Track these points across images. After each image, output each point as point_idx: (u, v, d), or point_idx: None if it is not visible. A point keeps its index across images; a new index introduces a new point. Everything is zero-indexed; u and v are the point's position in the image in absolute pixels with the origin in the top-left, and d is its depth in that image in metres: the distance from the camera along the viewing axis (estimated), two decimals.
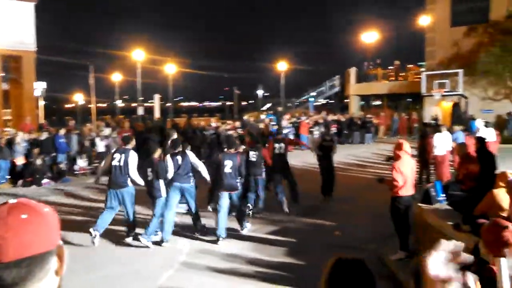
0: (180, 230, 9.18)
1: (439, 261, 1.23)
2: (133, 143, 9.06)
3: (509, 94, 25.97)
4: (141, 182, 8.62)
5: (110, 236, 8.97)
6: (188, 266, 7.24)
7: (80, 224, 9.93)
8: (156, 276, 6.85)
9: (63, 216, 10.66)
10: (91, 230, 8.18)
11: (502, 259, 2.56)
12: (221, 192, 8.71)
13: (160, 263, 7.41)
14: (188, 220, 9.84)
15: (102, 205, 11.71)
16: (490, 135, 14.21)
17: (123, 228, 9.46)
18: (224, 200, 8.62)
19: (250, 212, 9.90)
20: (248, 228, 9.07)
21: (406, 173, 6.91)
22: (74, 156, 16.50)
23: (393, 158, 7.24)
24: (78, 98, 44.81)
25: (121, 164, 8.40)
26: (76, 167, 16.42)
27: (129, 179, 8.49)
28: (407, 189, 7.00)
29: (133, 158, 8.52)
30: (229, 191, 8.66)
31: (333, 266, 2.10)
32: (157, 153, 8.76)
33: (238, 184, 8.85)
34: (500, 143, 16.68)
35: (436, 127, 14.48)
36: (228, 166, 8.64)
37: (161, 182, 8.53)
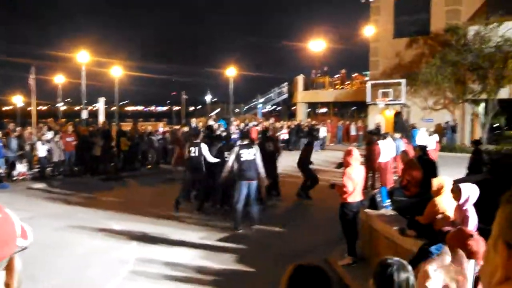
0: (127, 238, 8.96)
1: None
2: (200, 136, 11.13)
3: (448, 104, 27.24)
4: (214, 160, 10.75)
5: (51, 246, 8.60)
6: (137, 274, 7.03)
7: None
8: (103, 285, 6.61)
9: None
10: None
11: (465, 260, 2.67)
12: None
13: (106, 272, 7.16)
14: (136, 227, 9.64)
15: (39, 211, 11.29)
16: (431, 143, 14.85)
17: (58, 237, 9.10)
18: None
19: None
20: None
21: (356, 179, 7.06)
22: (13, 160, 15.73)
23: (343, 164, 7.38)
24: (17, 100, 42.79)
25: (196, 154, 10.62)
26: (15, 172, 15.66)
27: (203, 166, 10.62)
28: (356, 195, 7.15)
29: (205, 148, 10.67)
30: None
31: (292, 272, 2.10)
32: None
33: None
34: (439, 151, 17.46)
35: (379, 135, 14.96)
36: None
37: None
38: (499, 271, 0.71)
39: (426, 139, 15.29)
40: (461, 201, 5.08)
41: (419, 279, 2.44)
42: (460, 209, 5.15)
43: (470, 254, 2.89)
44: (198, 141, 10.76)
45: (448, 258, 2.14)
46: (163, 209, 11.25)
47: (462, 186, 5.14)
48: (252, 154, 9.51)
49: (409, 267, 2.73)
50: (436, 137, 16.89)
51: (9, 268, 1.03)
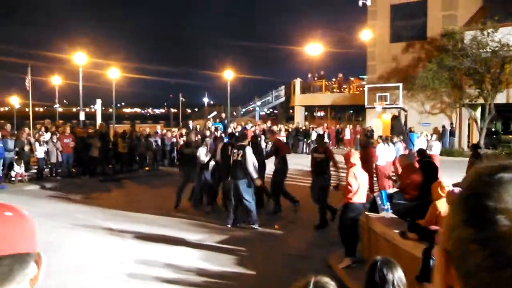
0: (126, 239, 8.93)
1: None
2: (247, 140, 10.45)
3: (445, 109, 27.34)
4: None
5: (49, 246, 8.56)
6: (135, 277, 6.98)
7: None
8: (102, 287, 6.60)
9: None
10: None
11: None
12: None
13: (103, 273, 7.11)
14: (134, 229, 9.61)
15: (36, 211, 11.24)
16: (436, 148, 14.88)
17: (57, 238, 9.05)
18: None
19: None
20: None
21: (360, 180, 7.10)
22: (10, 161, 15.67)
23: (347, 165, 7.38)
24: (14, 101, 42.68)
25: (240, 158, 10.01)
26: (12, 173, 15.60)
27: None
28: (360, 196, 7.18)
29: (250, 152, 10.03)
30: None
31: None
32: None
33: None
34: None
35: (372, 139, 15.08)
36: None
37: None
38: (440, 281, 0.68)
39: (431, 143, 15.35)
40: None
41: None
42: None
43: None
44: (245, 144, 10.18)
45: None
46: (161, 211, 11.24)
47: (457, 190, 5.15)
48: (240, 155, 9.70)
49: (398, 266, 2.77)
50: (438, 142, 16.96)
51: (37, 263, 1.06)
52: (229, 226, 9.81)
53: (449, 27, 25.74)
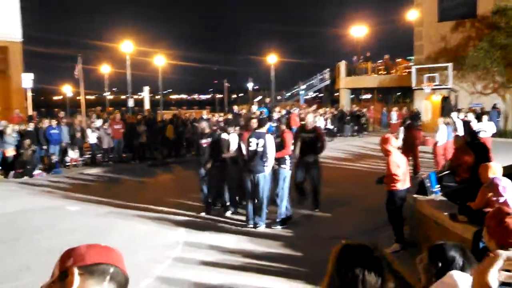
0: (175, 223, 9.16)
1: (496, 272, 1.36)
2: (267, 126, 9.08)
3: (497, 89, 26.27)
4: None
5: (101, 229, 8.91)
6: (183, 261, 7.06)
7: (69, 213, 9.90)
8: (150, 270, 6.65)
9: (53, 204, 10.61)
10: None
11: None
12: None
13: (152, 257, 7.22)
14: (183, 212, 9.86)
15: (90, 195, 11.73)
16: (490, 129, 14.42)
17: (107, 221, 9.40)
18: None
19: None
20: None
21: (401, 166, 6.99)
22: (65, 147, 16.39)
23: (384, 154, 7.23)
24: (67, 90, 44.36)
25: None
26: (67, 159, 16.33)
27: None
28: (404, 183, 7.07)
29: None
30: None
31: (341, 252, 2.12)
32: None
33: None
34: None
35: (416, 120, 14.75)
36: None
37: None
38: None
39: (484, 124, 14.85)
40: (498, 195, 4.95)
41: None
42: (497, 202, 5.02)
43: (507, 233, 2.82)
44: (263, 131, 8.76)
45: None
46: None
47: (496, 180, 4.99)
48: (261, 145, 8.43)
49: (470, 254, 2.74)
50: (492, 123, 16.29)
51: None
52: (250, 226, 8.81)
53: (501, 3, 24.60)
